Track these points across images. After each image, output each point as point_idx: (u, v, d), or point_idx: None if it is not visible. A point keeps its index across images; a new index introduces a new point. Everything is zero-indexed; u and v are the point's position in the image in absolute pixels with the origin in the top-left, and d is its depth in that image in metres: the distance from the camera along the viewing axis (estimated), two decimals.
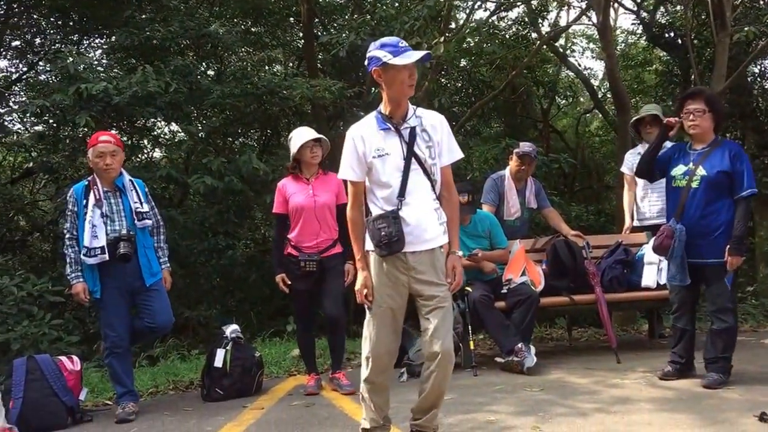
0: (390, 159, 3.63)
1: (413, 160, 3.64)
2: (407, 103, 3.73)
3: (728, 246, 4.79)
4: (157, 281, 5.28)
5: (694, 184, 4.91)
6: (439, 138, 3.73)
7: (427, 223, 3.64)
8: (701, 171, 4.89)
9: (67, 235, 5.17)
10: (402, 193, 3.61)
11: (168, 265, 5.46)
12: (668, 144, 6.48)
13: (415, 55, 3.57)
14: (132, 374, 5.43)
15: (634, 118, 6.98)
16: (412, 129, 3.68)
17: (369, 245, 3.68)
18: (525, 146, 6.79)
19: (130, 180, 5.30)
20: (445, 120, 3.82)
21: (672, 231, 4.93)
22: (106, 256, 5.00)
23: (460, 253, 3.84)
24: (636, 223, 6.83)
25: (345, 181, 3.91)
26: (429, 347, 3.64)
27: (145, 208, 5.26)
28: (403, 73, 3.59)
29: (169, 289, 5.44)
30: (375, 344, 3.70)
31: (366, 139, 3.67)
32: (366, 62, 3.71)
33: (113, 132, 5.97)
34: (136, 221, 5.16)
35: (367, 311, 3.73)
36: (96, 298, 5.13)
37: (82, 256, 5.06)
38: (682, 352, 5.13)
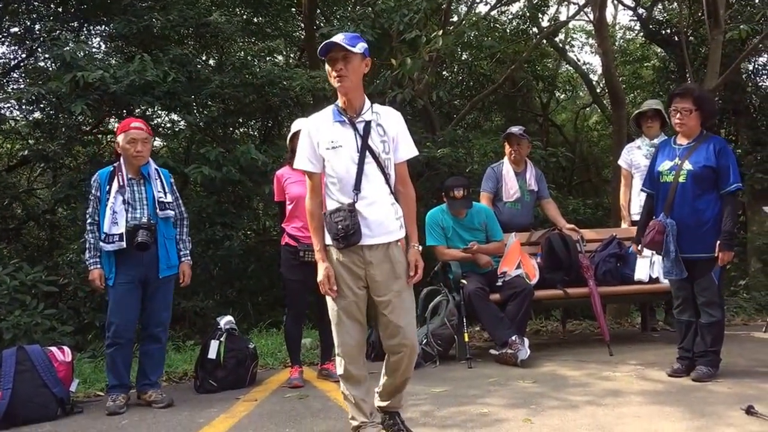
0: (343, 151, 3.61)
1: (367, 153, 3.62)
2: (363, 98, 3.72)
3: (718, 242, 4.80)
4: (171, 275, 5.20)
5: (681, 179, 4.92)
6: (395, 134, 3.72)
7: (383, 217, 3.64)
8: (687, 166, 4.91)
9: (89, 220, 5.07)
10: (357, 186, 3.59)
11: (189, 258, 5.36)
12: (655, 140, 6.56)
13: (321, 48, 3.58)
14: (129, 367, 5.31)
15: (636, 112, 7.04)
16: (367, 123, 3.66)
17: (328, 239, 3.67)
18: (511, 128, 6.84)
19: (156, 169, 5.21)
20: (402, 117, 3.82)
21: (663, 226, 4.94)
22: (124, 244, 4.91)
23: (420, 246, 3.80)
24: (633, 218, 6.84)
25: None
26: (390, 340, 3.70)
27: (169, 198, 5.16)
28: (329, 66, 3.62)
29: (188, 283, 5.36)
30: (343, 337, 3.71)
31: (319, 130, 3.67)
32: None
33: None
34: (158, 210, 5.08)
35: (330, 307, 3.72)
36: (108, 285, 5.04)
37: (101, 242, 4.99)
38: (689, 346, 5.08)
